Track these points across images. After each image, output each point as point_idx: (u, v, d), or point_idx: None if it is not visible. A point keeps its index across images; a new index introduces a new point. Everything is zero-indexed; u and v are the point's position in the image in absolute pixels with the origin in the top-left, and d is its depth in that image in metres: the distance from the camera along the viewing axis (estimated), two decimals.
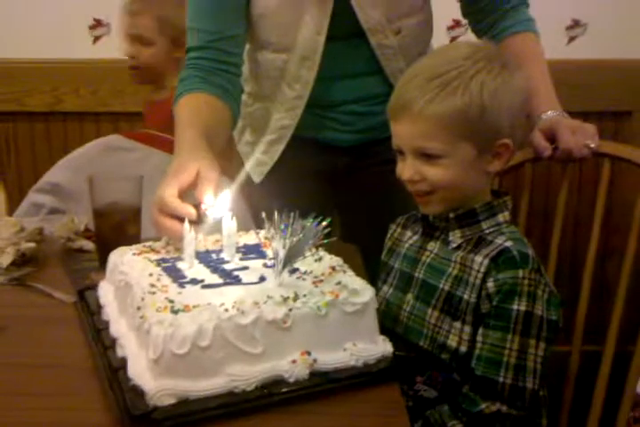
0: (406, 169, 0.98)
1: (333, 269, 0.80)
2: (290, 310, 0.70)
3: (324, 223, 0.76)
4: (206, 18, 1.19)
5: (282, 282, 0.77)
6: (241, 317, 0.67)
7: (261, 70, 1.30)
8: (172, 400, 0.65)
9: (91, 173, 1.13)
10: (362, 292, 0.74)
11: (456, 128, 0.92)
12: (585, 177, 1.90)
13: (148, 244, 0.96)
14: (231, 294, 0.75)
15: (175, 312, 0.68)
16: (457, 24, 2.00)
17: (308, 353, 0.70)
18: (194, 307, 0.69)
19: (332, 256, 0.83)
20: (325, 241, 0.77)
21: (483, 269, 0.93)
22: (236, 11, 1.19)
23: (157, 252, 0.92)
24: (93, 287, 0.98)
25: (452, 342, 0.94)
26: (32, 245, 1.16)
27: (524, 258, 0.92)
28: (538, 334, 0.91)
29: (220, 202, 0.91)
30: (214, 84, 1.18)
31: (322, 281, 0.77)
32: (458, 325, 0.94)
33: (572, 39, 2.07)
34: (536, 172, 1.28)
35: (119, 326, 0.79)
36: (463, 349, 0.94)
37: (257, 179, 1.41)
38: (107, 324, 0.83)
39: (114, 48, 1.95)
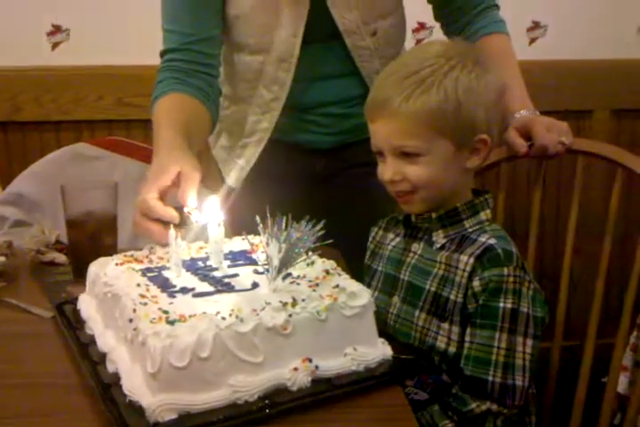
0: (387, 170, 0.97)
1: (327, 272, 0.79)
2: (289, 315, 0.67)
3: (319, 226, 0.74)
4: (182, 19, 1.16)
5: (276, 288, 0.75)
6: (240, 325, 0.65)
7: (238, 72, 1.27)
8: (173, 415, 0.62)
9: (63, 183, 1.08)
10: (359, 294, 0.73)
11: (433, 125, 0.92)
12: (548, 176, 1.93)
13: (129, 253, 0.92)
14: (225, 301, 0.72)
15: (171, 323, 0.64)
16: (422, 27, 2.01)
17: (309, 360, 0.68)
18: (190, 317, 0.66)
19: (325, 260, 0.81)
20: (321, 244, 0.75)
21: (468, 269, 0.93)
22: (212, 12, 1.17)
23: (140, 261, 0.88)
24: (71, 301, 0.94)
25: (441, 343, 0.94)
26: (2, 259, 1.11)
27: (508, 255, 0.93)
28: (525, 332, 0.92)
29: (205, 205, 0.88)
30: (192, 86, 1.15)
31: (317, 285, 0.75)
32: (446, 326, 0.94)
33: (532, 40, 2.11)
34: (503, 172, 1.29)
35: (107, 340, 0.75)
36: (452, 350, 0.93)
37: (233, 184, 1.38)
38: (92, 338, 0.79)
39: (74, 54, 1.91)
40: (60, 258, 1.16)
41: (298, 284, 0.76)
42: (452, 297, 0.94)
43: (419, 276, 0.99)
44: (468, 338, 0.92)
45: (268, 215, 0.76)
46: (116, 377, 0.69)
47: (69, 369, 0.76)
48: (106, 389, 0.67)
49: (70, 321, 0.86)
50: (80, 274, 1.05)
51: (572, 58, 2.08)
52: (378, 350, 0.72)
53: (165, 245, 0.89)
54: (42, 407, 0.70)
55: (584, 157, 1.23)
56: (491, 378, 0.89)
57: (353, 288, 0.73)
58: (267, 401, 0.64)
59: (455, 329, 0.93)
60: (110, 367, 0.71)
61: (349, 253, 1.16)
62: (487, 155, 0.99)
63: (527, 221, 1.27)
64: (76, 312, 0.88)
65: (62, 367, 0.77)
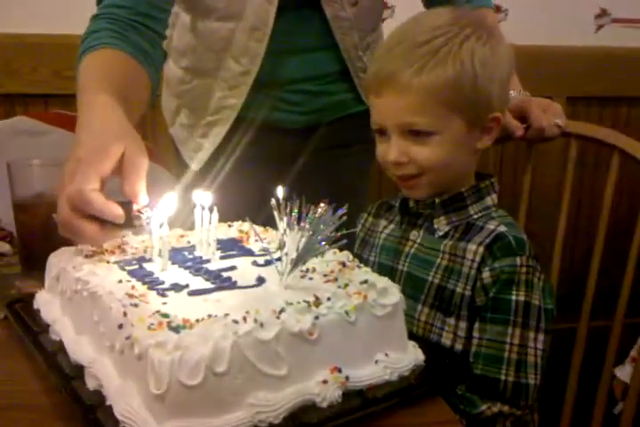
0: (391, 150, 0.88)
1: (343, 264, 0.68)
2: (316, 317, 0.56)
3: (343, 211, 0.63)
4: None
5: (287, 284, 0.63)
6: (260, 331, 0.53)
7: (203, 42, 1.14)
8: None
9: (10, 159, 0.92)
10: (390, 291, 0.62)
11: (448, 100, 0.84)
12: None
13: None
14: (229, 301, 0.60)
15: (175, 330, 0.52)
16: (384, 6, 1.93)
17: (339, 370, 0.57)
18: (197, 321, 0.53)
19: (336, 250, 0.70)
20: (344, 232, 0.64)
21: (477, 259, 0.87)
22: None
23: (112, 252, 0.74)
24: (23, 299, 0.79)
25: (447, 340, 0.88)
26: None
27: (520, 244, 0.87)
28: (537, 326, 0.87)
29: (159, 199, 0.70)
30: (130, 43, 0.94)
31: (336, 280, 0.64)
32: (452, 321, 0.88)
33: None
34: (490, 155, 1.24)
35: (81, 349, 0.61)
36: (459, 347, 0.87)
37: (195, 166, 1.26)
38: (60, 346, 0.65)
39: (5, 22, 1.70)
40: (4, 247, 1.01)
41: (310, 278, 0.65)
42: (459, 290, 0.87)
43: (419, 267, 0.91)
44: (477, 334, 0.86)
45: (281, 199, 0.65)
46: (99, 396, 0.56)
47: (37, 386, 0.61)
48: (88, 410, 0.54)
49: (28, 324, 0.72)
50: (31, 266, 0.91)
51: (531, 43, 2.06)
52: (410, 355, 0.62)
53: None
54: None
55: (576, 140, 1.19)
56: (503, 377, 0.84)
57: (382, 284, 0.62)
58: (295, 422, 0.53)
59: (462, 325, 0.87)
60: (91, 384, 0.57)
61: None
62: (497, 135, 0.92)
63: (515, 206, 1.21)
64: (33, 313, 0.74)
65: (28, 384, 0.62)
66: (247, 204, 1.02)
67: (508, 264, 0.84)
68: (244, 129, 1.20)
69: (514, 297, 0.84)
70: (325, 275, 0.66)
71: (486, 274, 0.85)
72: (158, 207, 0.68)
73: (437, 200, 0.91)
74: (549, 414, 1.13)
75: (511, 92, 1.15)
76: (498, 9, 2.06)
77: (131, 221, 0.70)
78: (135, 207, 0.71)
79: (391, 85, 0.85)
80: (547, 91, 2.06)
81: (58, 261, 0.73)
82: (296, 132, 1.22)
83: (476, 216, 0.90)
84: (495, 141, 1.21)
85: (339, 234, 0.63)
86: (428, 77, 0.83)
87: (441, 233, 0.91)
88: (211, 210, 0.73)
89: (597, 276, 1.14)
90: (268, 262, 0.70)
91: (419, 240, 0.93)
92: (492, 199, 0.93)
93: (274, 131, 1.21)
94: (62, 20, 1.69)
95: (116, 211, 0.69)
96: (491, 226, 0.88)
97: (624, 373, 1.45)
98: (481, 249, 0.86)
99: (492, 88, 0.86)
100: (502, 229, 0.87)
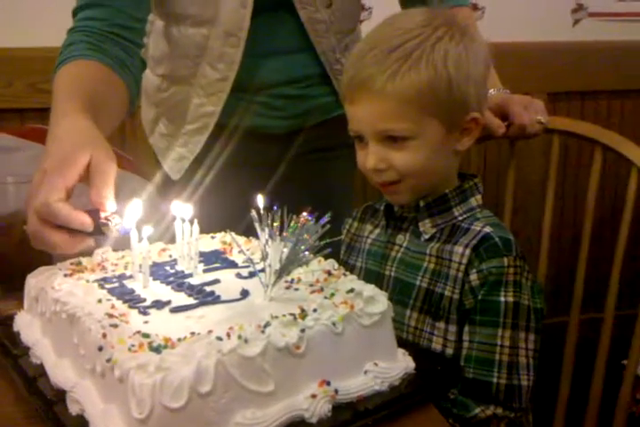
0: (370, 157, 0.88)
1: (329, 273, 0.66)
2: (302, 330, 0.55)
3: (326, 219, 0.62)
4: None
5: (272, 296, 0.62)
6: (245, 347, 0.51)
7: (178, 48, 1.12)
8: None
9: None
10: (377, 299, 0.61)
11: (423, 104, 0.83)
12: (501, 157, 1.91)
13: (73, 260, 0.76)
14: (213, 316, 0.59)
15: (156, 350, 0.50)
16: (362, 8, 1.93)
17: (327, 383, 0.56)
18: (179, 340, 0.52)
19: (320, 258, 0.69)
20: (327, 241, 0.62)
21: (464, 261, 0.86)
22: None
23: (92, 270, 0.72)
24: (3, 321, 0.77)
25: (437, 344, 0.87)
26: None
27: (507, 244, 0.86)
28: (527, 326, 0.86)
29: (128, 206, 0.69)
30: (106, 54, 0.94)
31: (322, 289, 0.62)
32: (441, 325, 0.87)
33: None
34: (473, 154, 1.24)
35: (62, 373, 0.59)
36: (449, 351, 0.86)
37: (175, 176, 1.24)
38: (41, 369, 0.63)
39: None
40: None
41: (296, 289, 0.63)
42: (447, 293, 0.86)
43: (407, 271, 0.90)
44: (467, 337, 0.85)
45: (261, 208, 0.63)
46: (81, 420, 0.54)
47: (17, 411, 0.59)
48: None
49: (7, 347, 0.69)
50: (9, 287, 0.89)
51: (508, 40, 2.06)
52: (399, 364, 0.61)
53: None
54: None
55: (559, 136, 1.18)
56: (495, 380, 0.83)
57: (369, 292, 0.61)
58: None
59: (452, 328, 0.86)
60: (73, 408, 0.55)
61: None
62: (477, 135, 0.91)
63: (500, 203, 1.20)
64: (13, 335, 0.72)
65: (7, 409, 0.61)
66: (231, 211, 1.00)
67: (496, 265, 0.84)
68: (224, 136, 1.18)
69: (502, 298, 0.84)
70: (311, 285, 0.64)
71: (474, 276, 0.84)
72: (129, 214, 0.66)
73: (422, 203, 0.90)
74: (543, 414, 1.12)
75: (491, 90, 1.15)
76: (474, 7, 2.06)
77: (99, 229, 0.69)
78: (103, 215, 0.70)
79: (365, 92, 0.84)
80: (526, 87, 2.06)
81: (36, 281, 0.71)
82: (278, 137, 1.21)
83: (460, 218, 0.90)
84: (476, 140, 1.21)
85: (323, 242, 0.61)
86: (402, 83, 0.82)
87: (427, 236, 0.90)
88: (191, 222, 0.72)
89: (585, 270, 1.14)
90: (252, 274, 0.69)
91: (405, 244, 0.92)
92: (476, 200, 0.92)
93: (255, 137, 1.20)
94: (37, 33, 1.67)
95: (83, 220, 0.69)
96: (476, 227, 0.87)
97: None
98: (467, 251, 0.85)
99: (468, 89, 0.85)
100: (488, 229, 0.87)
